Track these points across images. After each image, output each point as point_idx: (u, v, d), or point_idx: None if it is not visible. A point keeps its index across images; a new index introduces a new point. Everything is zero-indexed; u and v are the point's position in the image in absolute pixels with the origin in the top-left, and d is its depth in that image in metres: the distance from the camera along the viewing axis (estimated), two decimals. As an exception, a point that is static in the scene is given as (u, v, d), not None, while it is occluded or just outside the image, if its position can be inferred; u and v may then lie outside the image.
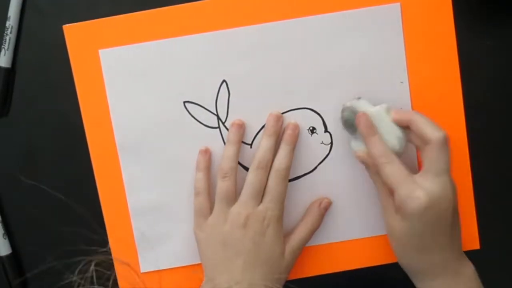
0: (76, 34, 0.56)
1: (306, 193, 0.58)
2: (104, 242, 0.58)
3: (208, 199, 0.56)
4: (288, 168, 0.55)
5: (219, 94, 0.57)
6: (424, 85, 0.57)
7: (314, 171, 0.58)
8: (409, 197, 0.49)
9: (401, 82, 0.57)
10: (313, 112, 0.57)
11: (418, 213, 0.49)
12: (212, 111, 0.57)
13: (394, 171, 0.51)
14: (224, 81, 0.57)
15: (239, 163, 0.57)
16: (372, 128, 0.53)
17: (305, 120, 0.57)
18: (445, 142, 0.50)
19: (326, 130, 0.57)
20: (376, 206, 0.58)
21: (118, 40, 0.56)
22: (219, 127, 0.57)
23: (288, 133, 0.56)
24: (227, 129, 0.57)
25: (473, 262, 0.54)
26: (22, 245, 0.60)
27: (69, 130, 0.58)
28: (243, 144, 0.57)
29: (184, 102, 0.57)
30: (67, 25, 0.56)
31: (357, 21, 0.56)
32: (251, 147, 0.58)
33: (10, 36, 0.57)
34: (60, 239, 0.59)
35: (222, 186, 0.55)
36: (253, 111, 0.57)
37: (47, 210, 0.58)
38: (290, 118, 0.57)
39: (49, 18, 0.57)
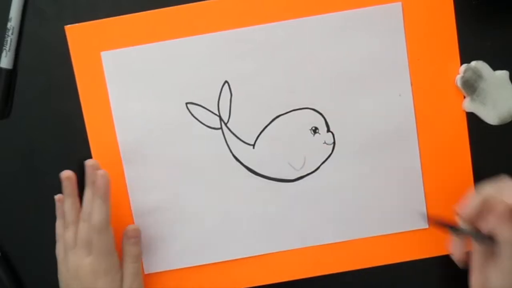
0: (78, 35, 0.56)
1: (309, 193, 0.58)
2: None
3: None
4: (102, 221, 0.54)
5: (221, 95, 0.57)
6: (426, 83, 0.57)
7: (317, 171, 0.58)
8: None
9: (403, 81, 0.57)
10: (315, 112, 0.57)
11: None
12: (215, 112, 0.57)
13: None
14: (226, 82, 0.57)
15: (242, 164, 0.58)
16: None
17: (308, 120, 0.57)
18: None
19: (328, 130, 0.57)
20: (378, 205, 0.58)
21: (120, 40, 0.56)
22: (221, 128, 0.57)
23: (96, 184, 0.55)
24: (229, 130, 0.57)
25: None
26: (22, 245, 0.60)
27: (70, 131, 0.58)
28: (245, 144, 0.57)
29: (186, 103, 0.57)
30: (69, 25, 0.56)
31: (358, 20, 0.56)
32: (253, 148, 0.58)
33: (11, 37, 0.56)
34: None
35: (67, 235, 0.55)
36: (255, 112, 0.57)
37: (47, 210, 0.58)
38: (292, 118, 0.57)
39: (50, 20, 0.57)
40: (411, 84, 0.57)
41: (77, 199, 0.56)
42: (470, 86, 0.56)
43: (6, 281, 0.59)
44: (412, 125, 0.58)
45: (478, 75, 0.57)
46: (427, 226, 0.59)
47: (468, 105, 0.57)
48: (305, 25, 0.56)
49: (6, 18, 0.56)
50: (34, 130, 0.58)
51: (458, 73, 0.57)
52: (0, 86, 0.57)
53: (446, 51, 0.57)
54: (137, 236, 0.57)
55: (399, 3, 0.56)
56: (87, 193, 0.55)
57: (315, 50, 0.56)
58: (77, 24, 0.56)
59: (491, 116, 0.58)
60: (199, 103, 0.57)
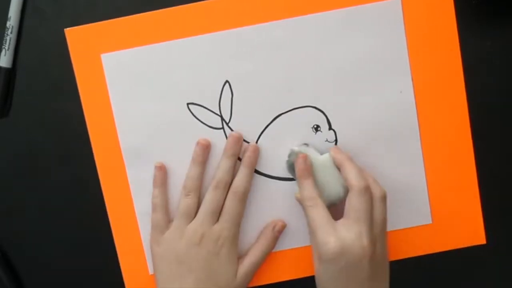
0: (77, 38, 0.56)
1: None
2: (106, 239, 0.58)
3: (165, 214, 0.57)
4: (246, 191, 0.56)
5: (222, 95, 0.57)
6: (427, 79, 0.57)
7: (320, 169, 0.58)
8: (323, 242, 0.50)
9: (404, 78, 0.57)
10: (317, 110, 0.57)
11: (330, 258, 0.50)
12: (216, 112, 0.57)
13: (316, 215, 0.52)
14: (227, 81, 0.57)
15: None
16: (307, 171, 0.54)
17: (309, 118, 0.57)
18: (365, 192, 0.51)
19: (330, 128, 0.57)
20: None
21: (120, 42, 0.56)
22: (223, 127, 0.57)
23: (247, 155, 0.56)
24: (231, 129, 0.57)
25: (479, 257, 0.53)
26: (22, 245, 0.59)
27: (70, 131, 0.58)
28: (246, 144, 0.57)
29: (188, 104, 0.57)
30: (68, 28, 0.56)
31: (358, 18, 0.56)
32: (255, 148, 0.58)
33: (10, 37, 0.57)
34: (60, 239, 0.59)
35: (184, 203, 0.56)
36: (256, 111, 0.57)
37: (47, 210, 0.58)
38: (293, 117, 0.57)
39: (49, 19, 0.57)
40: (412, 81, 0.57)
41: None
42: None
43: (6, 281, 0.59)
44: (414, 121, 0.57)
45: None
46: (430, 222, 0.58)
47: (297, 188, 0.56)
48: (305, 23, 0.56)
49: (5, 17, 0.57)
50: (33, 129, 0.58)
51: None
52: (-1, 85, 0.58)
53: (447, 47, 0.57)
54: (282, 232, 0.58)
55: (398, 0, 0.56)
56: (225, 163, 0.56)
57: (315, 48, 0.57)
58: (76, 27, 0.56)
59: (335, 190, 0.55)
60: (200, 104, 0.57)
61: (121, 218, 0.58)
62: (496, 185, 0.59)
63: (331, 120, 0.57)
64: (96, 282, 0.60)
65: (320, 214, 0.52)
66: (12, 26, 0.57)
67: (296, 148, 0.56)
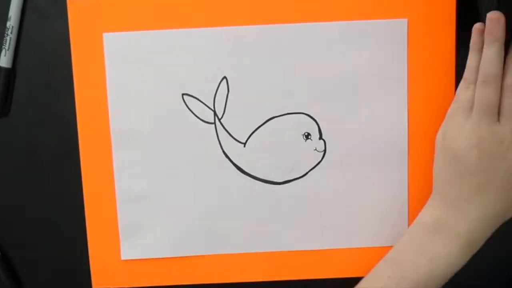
0: (80, 11, 0.56)
1: (295, 198, 0.58)
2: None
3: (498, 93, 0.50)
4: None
5: (218, 90, 0.57)
6: (422, 103, 0.57)
7: (305, 177, 0.58)
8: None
9: (400, 98, 0.57)
10: (309, 118, 0.57)
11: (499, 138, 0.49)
12: (210, 106, 0.57)
13: None
14: (224, 77, 0.57)
15: (231, 162, 0.58)
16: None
17: (301, 125, 0.57)
18: None
19: (320, 137, 0.58)
20: (360, 218, 0.58)
21: (124, 23, 0.56)
22: (214, 123, 0.57)
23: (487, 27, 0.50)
24: (222, 126, 0.57)
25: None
26: (22, 245, 0.60)
27: (69, 131, 0.57)
28: (236, 142, 0.57)
29: (183, 94, 0.57)
30: (72, 0, 0.56)
31: (363, 32, 0.56)
32: (244, 146, 0.58)
33: (10, 36, 0.56)
34: (60, 239, 0.59)
35: (465, 95, 0.51)
36: (250, 111, 0.57)
37: (47, 210, 0.58)
38: (286, 121, 0.57)
39: (49, 19, 0.57)
40: (408, 102, 0.57)
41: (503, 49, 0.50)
42: None
43: (6, 281, 0.59)
44: (404, 143, 0.58)
45: None
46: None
47: None
48: (310, 31, 0.56)
49: (5, 17, 0.56)
50: (33, 129, 0.58)
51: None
52: (-1, 85, 0.57)
53: (443, 74, 0.57)
54: None
55: (405, 20, 0.56)
56: (489, 53, 0.50)
57: (316, 56, 0.57)
58: (80, -1, 0.56)
59: None
60: (195, 96, 0.57)
61: (101, 201, 0.58)
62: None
63: (322, 130, 0.57)
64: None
65: None
66: (12, 26, 0.56)
67: None
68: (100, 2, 0.56)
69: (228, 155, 0.58)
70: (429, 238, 0.53)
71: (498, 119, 0.50)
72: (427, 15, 0.56)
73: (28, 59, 0.57)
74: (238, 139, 0.58)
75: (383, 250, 0.58)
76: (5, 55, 0.57)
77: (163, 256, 0.59)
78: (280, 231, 0.59)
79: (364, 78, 0.57)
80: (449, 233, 0.52)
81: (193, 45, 0.56)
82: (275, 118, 0.57)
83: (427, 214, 0.54)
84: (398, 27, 0.56)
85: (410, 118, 0.57)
